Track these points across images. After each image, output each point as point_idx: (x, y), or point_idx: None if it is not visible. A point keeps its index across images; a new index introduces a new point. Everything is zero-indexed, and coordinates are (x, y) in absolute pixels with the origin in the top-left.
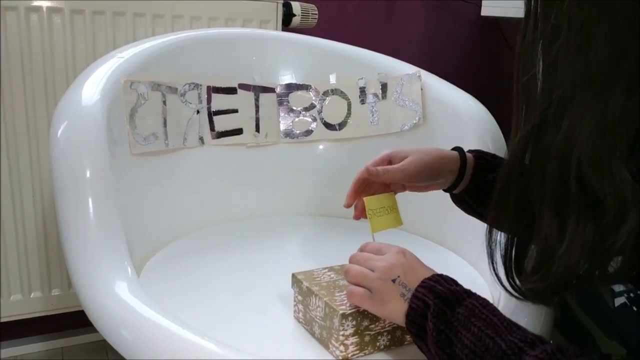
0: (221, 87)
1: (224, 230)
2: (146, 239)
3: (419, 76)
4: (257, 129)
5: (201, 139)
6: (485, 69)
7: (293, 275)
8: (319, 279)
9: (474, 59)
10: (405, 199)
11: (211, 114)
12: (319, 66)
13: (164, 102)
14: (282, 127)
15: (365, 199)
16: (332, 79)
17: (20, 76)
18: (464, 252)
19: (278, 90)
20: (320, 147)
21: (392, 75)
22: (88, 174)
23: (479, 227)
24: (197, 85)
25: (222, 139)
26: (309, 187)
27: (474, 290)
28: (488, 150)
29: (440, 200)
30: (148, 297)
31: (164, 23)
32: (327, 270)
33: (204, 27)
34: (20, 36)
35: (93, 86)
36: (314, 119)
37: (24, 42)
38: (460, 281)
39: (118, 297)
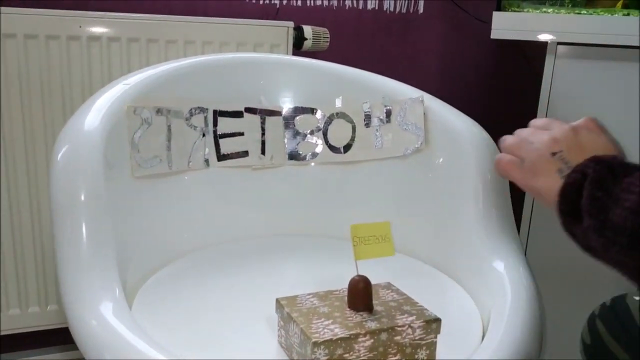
0: (227, 111)
1: (226, 250)
2: (146, 259)
3: (422, 100)
4: (263, 152)
5: (206, 161)
6: (505, 89)
7: (277, 301)
8: (300, 304)
9: (493, 78)
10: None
11: (217, 137)
12: (325, 90)
13: (169, 127)
14: (288, 149)
15: (351, 226)
16: (338, 103)
17: (40, 103)
18: (466, 283)
19: (284, 113)
20: (325, 169)
21: (396, 99)
22: (83, 197)
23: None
24: (203, 109)
25: (228, 161)
26: (313, 207)
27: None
28: (486, 178)
29: (446, 222)
30: (132, 320)
31: (177, 48)
32: (311, 296)
33: (215, 52)
34: (40, 63)
35: (95, 112)
36: (320, 142)
37: (43, 70)
38: (454, 312)
39: (102, 318)
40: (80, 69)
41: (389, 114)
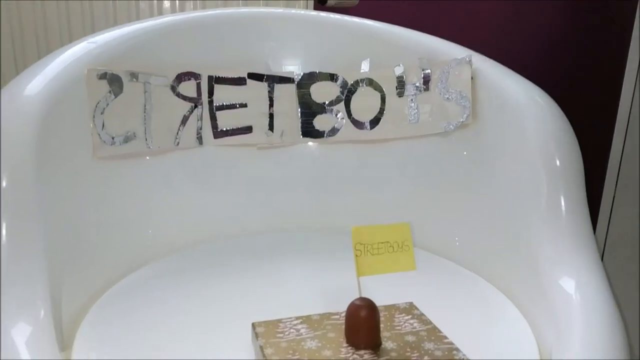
0: (226, 78)
1: (213, 250)
2: (112, 263)
3: (469, 61)
4: (271, 127)
5: (199, 138)
6: (583, 54)
7: (252, 326)
8: (281, 334)
9: (568, 40)
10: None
11: (213, 109)
12: (347, 51)
13: (147, 96)
14: (302, 124)
15: (353, 228)
16: (365, 67)
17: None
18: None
19: (297, 80)
20: (346, 149)
21: (437, 61)
22: (4, 184)
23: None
24: (195, 75)
25: (227, 138)
26: (328, 197)
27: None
28: (553, 164)
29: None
30: (54, 350)
31: (172, 4)
32: (299, 321)
33: (219, 8)
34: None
35: (41, 78)
36: (341, 116)
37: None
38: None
39: (11, 348)
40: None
41: (427, 79)
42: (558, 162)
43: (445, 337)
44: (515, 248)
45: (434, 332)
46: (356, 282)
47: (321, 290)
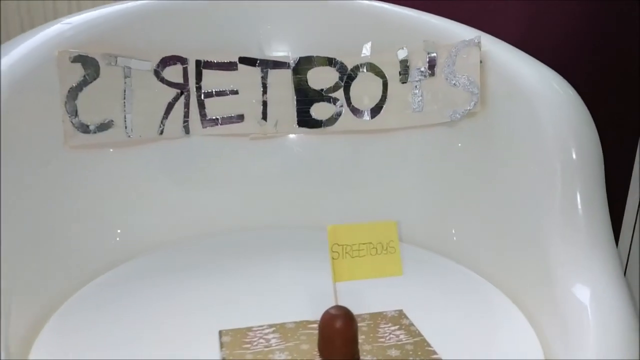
0: (216, 62)
1: (199, 248)
2: (81, 262)
3: (478, 43)
4: (264, 116)
5: (186, 127)
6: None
7: (220, 334)
8: (248, 345)
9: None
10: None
11: (202, 96)
12: (348, 34)
13: (127, 81)
14: (298, 113)
15: (329, 228)
16: (365, 50)
17: None
18: (530, 310)
19: (293, 65)
20: (346, 140)
21: (443, 44)
22: None
23: None
24: (181, 60)
25: (216, 127)
26: (327, 192)
27: None
28: (569, 158)
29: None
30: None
31: None
32: (271, 330)
33: None
34: None
35: (6, 60)
36: (340, 104)
37: None
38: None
39: None
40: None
41: (432, 64)
42: (575, 155)
43: (434, 352)
44: (524, 250)
45: (422, 346)
46: (332, 289)
47: (305, 294)
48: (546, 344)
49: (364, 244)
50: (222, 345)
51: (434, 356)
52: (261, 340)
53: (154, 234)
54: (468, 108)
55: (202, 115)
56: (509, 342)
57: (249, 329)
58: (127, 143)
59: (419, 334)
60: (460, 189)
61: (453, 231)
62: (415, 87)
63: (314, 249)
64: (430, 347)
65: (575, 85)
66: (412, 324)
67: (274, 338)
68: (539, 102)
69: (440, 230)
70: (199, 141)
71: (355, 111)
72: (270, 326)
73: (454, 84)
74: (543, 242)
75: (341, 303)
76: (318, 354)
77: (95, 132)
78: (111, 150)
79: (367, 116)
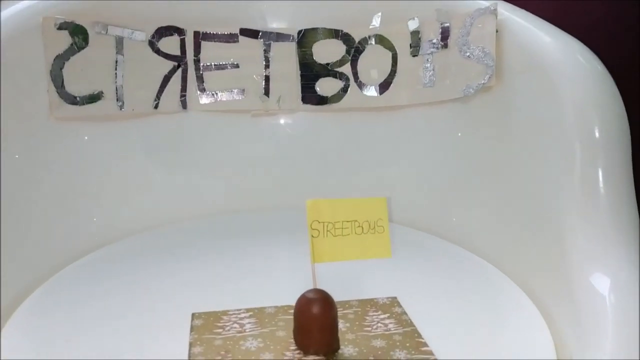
0: (215, 34)
1: (190, 228)
2: (61, 242)
3: (495, 10)
4: (266, 92)
5: (183, 102)
6: None
7: (192, 317)
8: (220, 329)
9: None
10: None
11: (200, 69)
12: (355, 3)
13: (119, 51)
14: (302, 89)
15: (308, 202)
16: (375, 21)
17: None
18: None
19: (297, 37)
20: (351, 117)
21: (457, 12)
22: None
23: None
24: (179, 31)
25: (216, 102)
26: (329, 174)
27: None
28: (591, 137)
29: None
30: None
31: None
32: (248, 314)
33: None
34: None
35: None
36: (346, 79)
37: None
38: None
39: None
40: None
41: (445, 35)
42: (598, 134)
43: (424, 345)
44: (537, 234)
45: (412, 337)
46: (312, 271)
47: (293, 278)
48: (558, 336)
49: (348, 221)
50: (192, 328)
51: (424, 348)
52: (235, 325)
53: (141, 216)
54: (482, 82)
55: (201, 89)
56: (514, 334)
57: (225, 312)
58: (117, 117)
59: (411, 324)
60: (470, 170)
61: (460, 215)
62: (427, 60)
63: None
64: (421, 338)
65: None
66: (404, 313)
67: (249, 323)
68: (560, 76)
69: (447, 214)
70: (198, 117)
71: (363, 86)
72: (248, 310)
73: (468, 56)
74: (560, 228)
75: (328, 288)
76: (294, 342)
77: (83, 104)
78: (99, 124)
79: (375, 92)
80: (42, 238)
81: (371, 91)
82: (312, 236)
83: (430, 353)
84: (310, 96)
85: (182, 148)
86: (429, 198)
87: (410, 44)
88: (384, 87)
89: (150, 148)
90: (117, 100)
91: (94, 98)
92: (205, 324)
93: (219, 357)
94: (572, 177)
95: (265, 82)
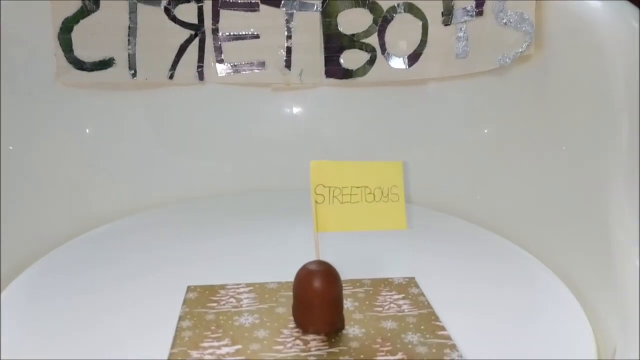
0: (235, 2)
1: (200, 206)
2: (57, 218)
3: None
4: (288, 64)
5: (200, 73)
6: None
7: (187, 290)
8: (215, 303)
9: None
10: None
11: (219, 39)
12: None
13: (132, 16)
14: (326, 61)
15: (312, 162)
16: None
17: None
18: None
19: (321, 6)
20: (381, 92)
21: None
22: None
23: None
24: None
25: (234, 75)
26: (358, 152)
27: None
28: None
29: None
30: None
31: None
32: (248, 289)
33: None
34: None
35: None
36: (373, 50)
37: None
38: None
39: None
40: None
41: (481, 1)
42: None
43: (441, 329)
44: (579, 216)
45: (428, 320)
46: (314, 241)
47: (302, 254)
48: (598, 327)
49: (357, 187)
50: (184, 302)
51: (440, 332)
52: (231, 300)
53: (149, 193)
54: (520, 50)
55: (219, 60)
56: (549, 323)
57: (222, 286)
58: (132, 85)
59: (428, 306)
60: (506, 147)
61: (494, 197)
62: (460, 29)
63: None
64: (439, 321)
65: None
66: (422, 294)
67: (247, 298)
68: (609, 42)
69: (479, 195)
70: (215, 90)
71: (391, 59)
72: (248, 285)
73: (505, 23)
74: (603, 207)
75: (337, 266)
76: (293, 320)
77: (91, 70)
78: (112, 92)
79: (403, 64)
80: (42, 214)
81: (399, 63)
82: (316, 202)
83: (448, 337)
84: (334, 69)
85: (196, 122)
86: (460, 178)
87: (442, 12)
88: (413, 58)
89: (161, 121)
90: (130, 68)
91: (104, 64)
92: (199, 297)
93: (209, 332)
94: (618, 152)
95: (286, 53)
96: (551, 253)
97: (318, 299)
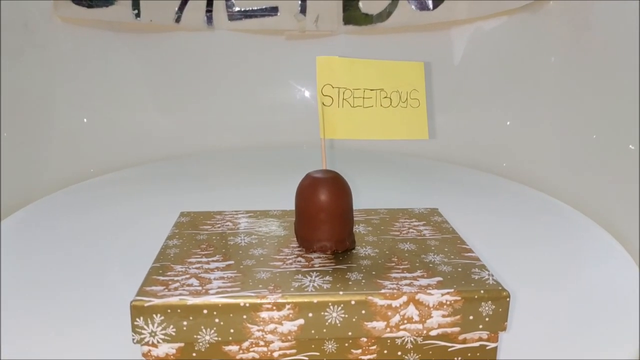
0: None
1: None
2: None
3: None
4: (303, 10)
5: (209, 17)
6: None
7: (180, 215)
8: (209, 226)
9: None
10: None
11: None
12: None
13: None
14: (344, 6)
15: (319, 58)
16: None
17: None
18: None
19: None
20: (404, 39)
21: None
22: None
23: None
24: None
25: (246, 21)
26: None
27: None
28: None
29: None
30: None
31: None
32: (248, 215)
33: None
34: None
35: None
36: None
37: None
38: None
39: None
40: None
41: None
42: None
43: (469, 251)
44: (620, 167)
45: (453, 243)
46: (321, 147)
47: None
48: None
49: (372, 90)
50: (175, 225)
51: (468, 254)
52: (228, 224)
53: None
54: None
55: (229, 5)
56: (590, 267)
57: (220, 212)
58: (135, 27)
59: (453, 232)
60: (539, 96)
61: (529, 151)
62: None
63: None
64: (465, 244)
65: None
66: (445, 222)
67: (246, 222)
68: None
69: (512, 150)
70: (223, 37)
71: (414, 0)
72: (248, 212)
73: None
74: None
75: (353, 198)
76: (295, 240)
77: (91, 6)
78: (112, 33)
79: (428, 7)
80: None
81: (425, 7)
82: (323, 104)
83: (476, 259)
84: (352, 15)
85: (203, 72)
86: (492, 132)
87: None
88: (438, 1)
89: (164, 68)
90: (133, 7)
91: (106, 1)
92: (191, 221)
93: (199, 250)
94: None
95: None
96: (596, 206)
97: (324, 212)
